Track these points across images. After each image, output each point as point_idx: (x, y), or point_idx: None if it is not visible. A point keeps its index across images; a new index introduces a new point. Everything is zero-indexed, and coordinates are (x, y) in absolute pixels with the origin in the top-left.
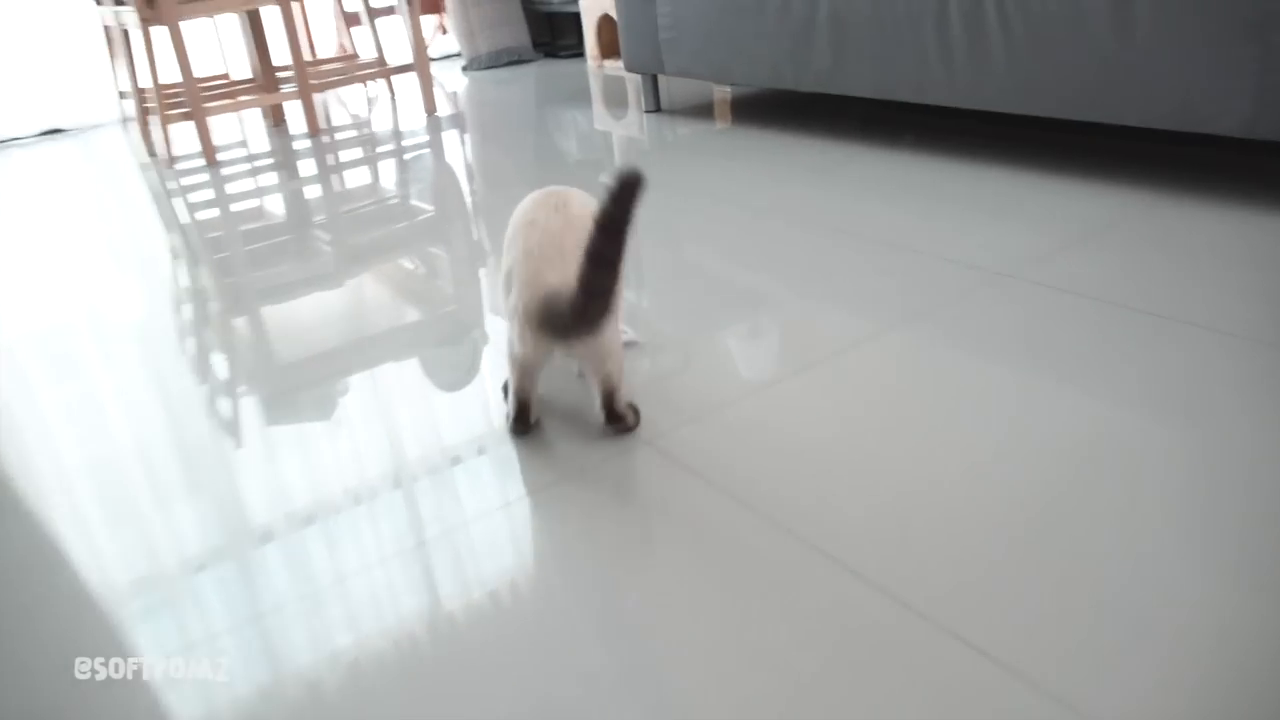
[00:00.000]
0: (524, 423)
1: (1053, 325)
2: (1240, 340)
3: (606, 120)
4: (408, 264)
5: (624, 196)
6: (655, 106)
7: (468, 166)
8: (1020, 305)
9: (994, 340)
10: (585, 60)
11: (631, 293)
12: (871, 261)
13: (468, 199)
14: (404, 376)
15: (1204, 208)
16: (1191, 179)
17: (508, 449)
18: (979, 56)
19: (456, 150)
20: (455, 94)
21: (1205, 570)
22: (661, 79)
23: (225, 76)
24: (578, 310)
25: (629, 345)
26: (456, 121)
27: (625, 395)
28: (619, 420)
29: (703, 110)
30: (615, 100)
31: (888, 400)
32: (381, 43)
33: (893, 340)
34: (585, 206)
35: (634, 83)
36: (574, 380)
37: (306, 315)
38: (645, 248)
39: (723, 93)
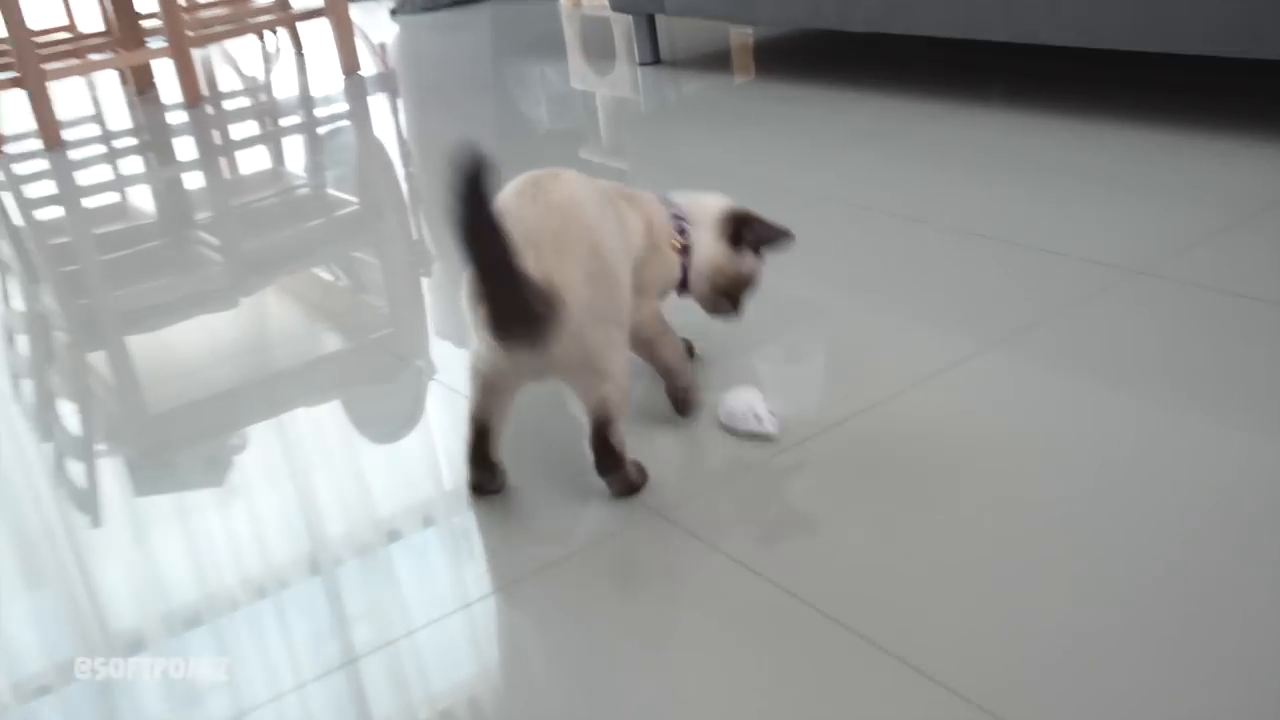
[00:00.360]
0: (481, 464)
1: (1206, 338)
2: None
3: (587, 76)
4: (325, 275)
5: (470, 193)
6: (653, 57)
7: (402, 143)
8: (1162, 312)
9: (1127, 359)
10: None
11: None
12: (958, 258)
13: (403, 186)
14: (323, 426)
15: None
16: None
17: (466, 522)
18: None
19: (387, 121)
20: (383, 45)
21: None
22: (660, 20)
23: (70, 28)
24: (505, 332)
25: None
26: (385, 82)
27: (625, 443)
28: (614, 465)
29: (716, 61)
30: (598, 49)
31: (985, 446)
32: None
33: (991, 364)
34: (575, 191)
35: (623, 25)
36: (554, 427)
37: (189, 347)
38: None
39: (742, 37)
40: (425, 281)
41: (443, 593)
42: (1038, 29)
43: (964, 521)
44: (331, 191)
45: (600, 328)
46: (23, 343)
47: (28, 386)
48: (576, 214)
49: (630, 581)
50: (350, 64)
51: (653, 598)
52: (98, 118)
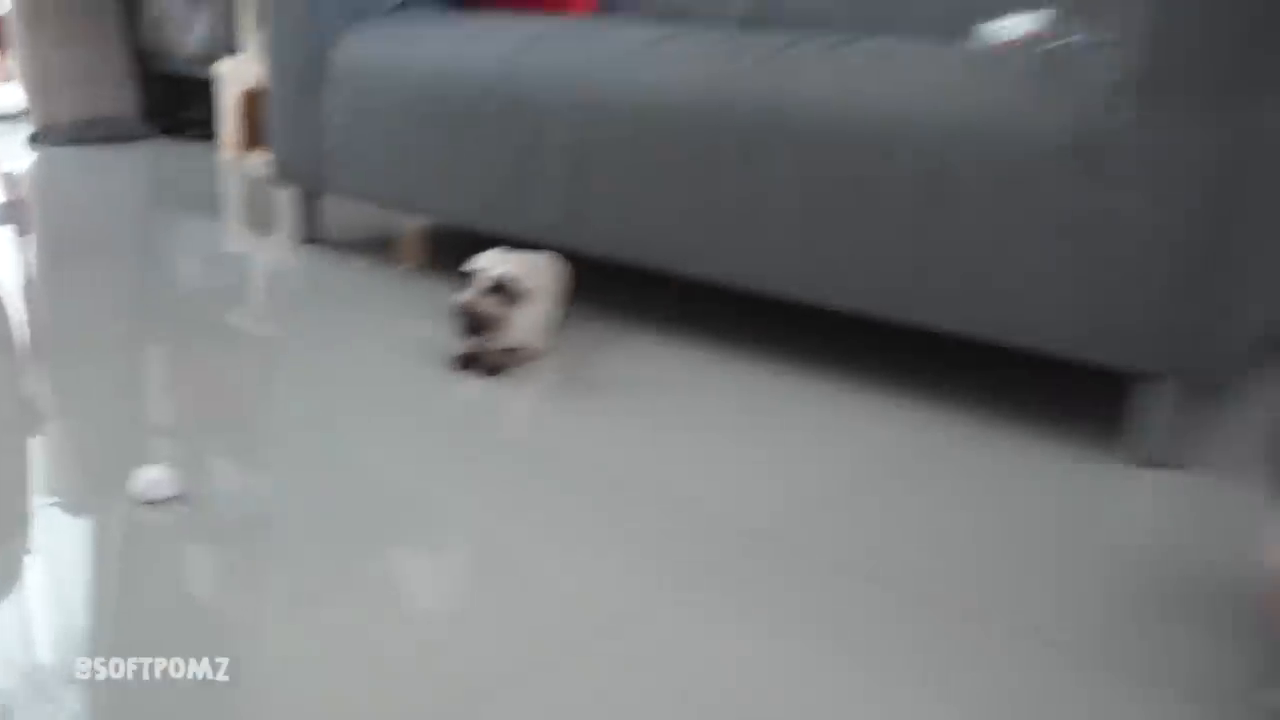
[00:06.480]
0: None
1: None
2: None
3: (247, 241)
4: None
5: None
6: (312, 235)
7: (28, 286)
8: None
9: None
10: (219, 147)
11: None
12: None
13: (23, 333)
14: None
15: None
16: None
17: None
18: (757, 226)
19: (5, 263)
20: (9, 175)
21: None
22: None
23: None
24: None
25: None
26: (13, 215)
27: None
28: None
29: (382, 244)
30: (262, 213)
31: None
32: None
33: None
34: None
35: (287, 193)
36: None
37: None
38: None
39: (417, 222)
40: (31, 442)
41: None
42: (701, 263)
43: None
44: None
45: None
46: None
47: None
48: None
49: None
50: None
51: None
52: None
